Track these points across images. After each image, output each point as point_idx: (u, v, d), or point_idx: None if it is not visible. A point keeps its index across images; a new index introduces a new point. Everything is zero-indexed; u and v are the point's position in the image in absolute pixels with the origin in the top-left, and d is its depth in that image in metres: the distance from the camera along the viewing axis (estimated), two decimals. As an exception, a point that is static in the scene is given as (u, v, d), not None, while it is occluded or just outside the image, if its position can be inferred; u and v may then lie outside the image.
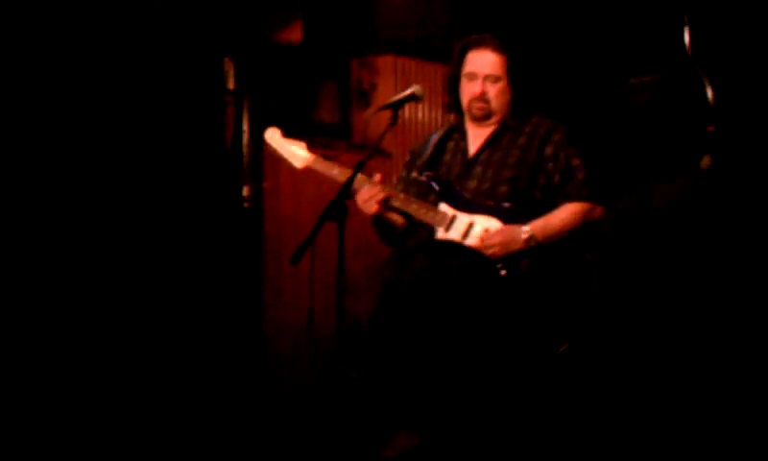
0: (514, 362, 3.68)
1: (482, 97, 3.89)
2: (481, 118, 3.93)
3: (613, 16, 4.86)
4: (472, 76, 3.90)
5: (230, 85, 5.12)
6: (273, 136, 4.08)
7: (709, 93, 4.41)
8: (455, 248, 3.81)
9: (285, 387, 5.08)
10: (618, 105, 4.76)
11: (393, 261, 3.82)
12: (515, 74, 3.91)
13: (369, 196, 3.83)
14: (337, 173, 3.87)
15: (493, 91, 3.89)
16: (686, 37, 4.49)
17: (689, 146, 4.45)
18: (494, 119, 3.94)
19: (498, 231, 3.77)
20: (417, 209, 3.86)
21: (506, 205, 3.83)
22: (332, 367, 3.78)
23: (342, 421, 3.70)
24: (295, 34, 5.25)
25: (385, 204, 3.85)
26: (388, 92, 5.53)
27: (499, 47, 3.90)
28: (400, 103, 3.71)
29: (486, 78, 3.88)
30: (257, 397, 4.89)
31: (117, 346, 4.58)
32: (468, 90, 3.91)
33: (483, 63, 3.89)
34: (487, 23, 5.15)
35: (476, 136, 3.98)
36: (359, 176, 3.63)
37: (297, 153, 4.04)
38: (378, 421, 3.75)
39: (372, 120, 5.23)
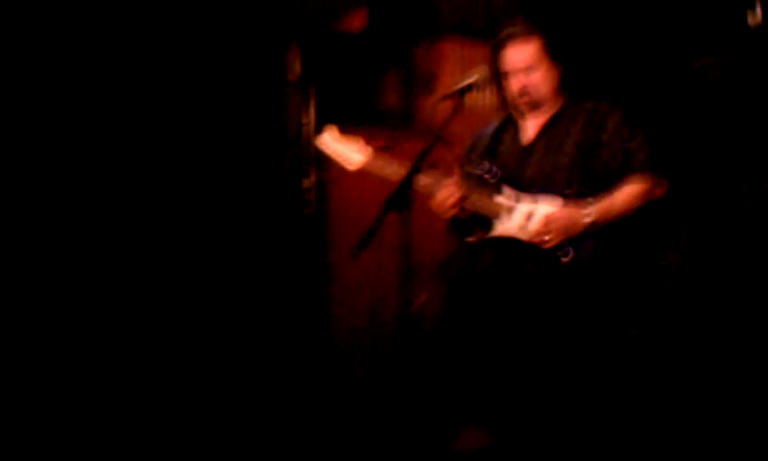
0: (582, 354, 3.65)
1: (523, 91, 3.86)
2: (532, 106, 3.90)
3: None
4: (509, 73, 3.87)
5: (295, 74, 5.14)
6: (330, 136, 4.04)
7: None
8: (520, 244, 3.78)
9: (352, 378, 5.10)
10: (682, 87, 4.68)
11: (458, 258, 3.81)
12: (555, 54, 3.86)
13: (443, 198, 3.82)
14: (396, 167, 3.84)
15: (534, 81, 3.85)
16: (754, 16, 4.39)
17: (761, 130, 4.36)
18: (545, 107, 3.91)
19: (560, 215, 3.75)
20: (478, 200, 3.84)
21: (567, 191, 3.80)
22: (394, 358, 3.78)
23: (410, 412, 3.70)
24: (358, 21, 5.24)
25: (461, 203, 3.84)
26: (453, 77, 5.50)
27: (529, 35, 3.85)
28: (463, 90, 3.70)
29: (523, 70, 3.85)
30: (325, 389, 4.91)
31: (181, 341, 4.64)
32: (510, 88, 3.89)
33: (516, 58, 3.85)
34: (549, 6, 5.11)
35: (533, 124, 3.96)
36: (423, 169, 3.61)
37: (353, 153, 3.99)
38: (447, 415, 3.74)
39: (437, 107, 5.21)
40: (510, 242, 3.81)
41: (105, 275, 4.55)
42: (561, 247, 3.74)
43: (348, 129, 4.08)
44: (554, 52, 3.86)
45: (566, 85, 3.94)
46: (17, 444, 4.01)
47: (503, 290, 3.73)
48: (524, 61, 3.84)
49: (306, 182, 5.14)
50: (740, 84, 4.47)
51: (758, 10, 4.38)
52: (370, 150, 3.99)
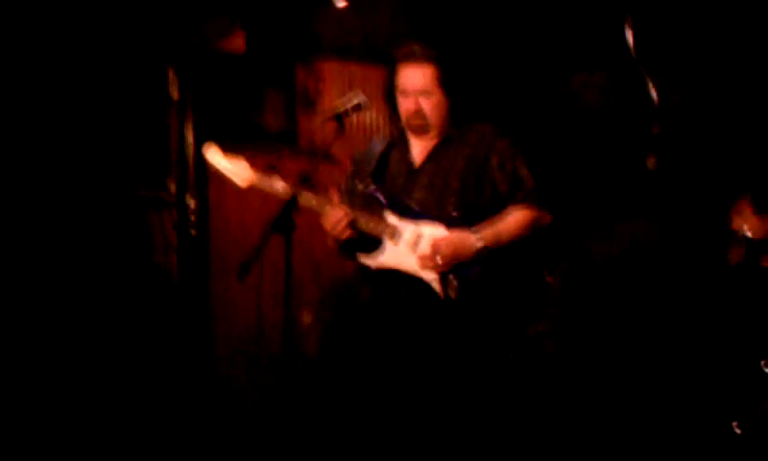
0: (463, 381, 3.68)
1: (417, 113, 3.84)
2: (420, 133, 3.90)
3: (555, 15, 4.86)
4: (405, 92, 3.85)
5: (174, 95, 5.07)
6: (213, 155, 3.97)
7: (654, 94, 4.43)
8: (398, 276, 3.77)
9: (235, 398, 5.04)
10: (563, 105, 4.77)
11: (335, 295, 3.76)
12: (448, 85, 3.84)
13: (335, 220, 3.78)
14: (281, 188, 3.80)
15: (428, 106, 3.83)
16: (629, 36, 4.50)
17: (635, 147, 4.47)
18: (434, 132, 3.90)
19: (449, 240, 3.74)
20: (366, 223, 3.83)
21: (454, 214, 3.80)
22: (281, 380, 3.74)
23: (294, 440, 3.66)
24: (238, 43, 5.20)
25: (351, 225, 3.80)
26: (334, 97, 5.49)
27: (429, 60, 3.82)
28: (346, 111, 3.69)
29: (417, 92, 3.83)
30: (208, 411, 4.84)
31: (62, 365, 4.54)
32: (404, 107, 3.87)
33: (414, 80, 3.83)
34: (430, 28, 5.16)
35: (420, 147, 3.94)
36: (305, 191, 3.60)
37: (239, 171, 3.93)
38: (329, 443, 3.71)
39: (321, 127, 5.20)
40: (390, 273, 3.79)
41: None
42: (446, 275, 3.73)
43: (230, 148, 4.03)
44: (448, 82, 3.84)
45: (456, 112, 3.93)
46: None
47: (382, 324, 3.70)
48: (422, 84, 3.82)
49: (188, 202, 5.07)
50: (616, 101, 4.58)
51: (629, 30, 4.49)
52: (251, 170, 3.92)
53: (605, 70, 4.70)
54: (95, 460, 4.33)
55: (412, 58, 3.83)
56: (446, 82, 3.84)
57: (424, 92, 3.82)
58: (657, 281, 4.29)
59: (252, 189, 3.90)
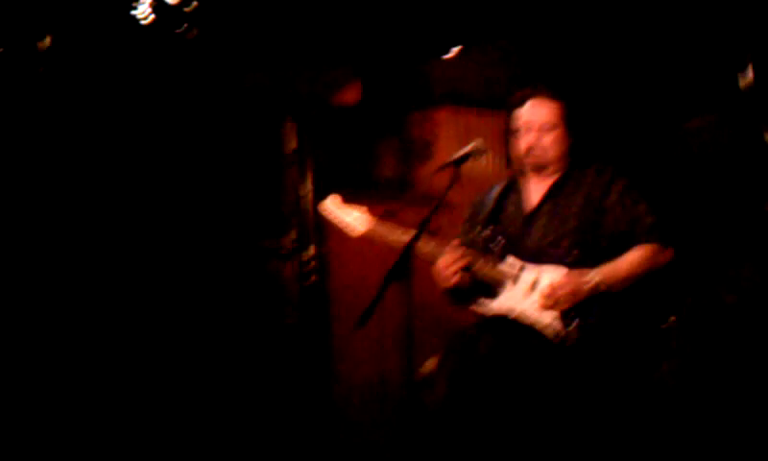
0: (591, 427, 3.62)
1: (537, 146, 3.85)
2: (537, 168, 3.89)
3: (667, 59, 4.82)
4: (528, 126, 3.86)
5: (292, 147, 5.17)
6: (333, 204, 4.03)
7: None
8: (515, 325, 3.74)
9: (358, 449, 5.06)
10: (676, 148, 4.71)
11: (456, 345, 3.73)
12: (571, 121, 3.87)
13: (446, 264, 3.79)
14: (399, 234, 3.83)
15: (549, 140, 3.85)
16: (744, 78, 4.43)
17: (750, 188, 4.38)
18: (552, 169, 3.89)
19: (566, 281, 3.70)
20: (482, 267, 3.83)
21: (572, 254, 3.77)
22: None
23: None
24: (353, 94, 5.29)
25: (464, 269, 3.81)
26: (449, 143, 5.53)
27: (553, 96, 3.87)
28: (462, 159, 3.71)
29: (541, 127, 3.85)
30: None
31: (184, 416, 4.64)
32: (525, 141, 3.88)
33: (538, 113, 3.85)
34: (540, 72, 5.16)
35: (537, 188, 3.93)
36: (422, 238, 3.60)
37: (355, 220, 3.97)
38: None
39: (435, 176, 5.23)
40: (507, 322, 3.77)
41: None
42: (567, 314, 3.70)
43: (348, 197, 4.08)
44: (572, 119, 3.87)
45: (574, 152, 3.93)
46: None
47: (502, 374, 3.67)
48: (546, 117, 3.84)
49: (306, 256, 5.15)
50: (729, 145, 4.51)
51: (749, 71, 4.42)
52: (371, 218, 3.97)
53: (719, 112, 4.64)
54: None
55: (536, 95, 3.88)
56: (570, 119, 3.86)
57: (548, 126, 3.84)
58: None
59: (368, 238, 3.94)
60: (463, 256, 3.80)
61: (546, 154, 3.86)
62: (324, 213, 4.05)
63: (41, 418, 4.35)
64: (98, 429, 4.47)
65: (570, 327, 3.68)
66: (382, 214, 4.00)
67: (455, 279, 3.80)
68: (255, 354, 4.97)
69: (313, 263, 5.16)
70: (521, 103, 3.90)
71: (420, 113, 5.61)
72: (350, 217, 3.99)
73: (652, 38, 4.88)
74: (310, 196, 5.16)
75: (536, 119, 3.85)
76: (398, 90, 5.51)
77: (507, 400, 3.58)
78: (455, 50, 5.30)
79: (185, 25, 4.55)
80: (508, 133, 3.95)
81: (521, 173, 3.96)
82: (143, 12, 4.44)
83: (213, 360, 4.83)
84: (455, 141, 5.50)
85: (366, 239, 3.95)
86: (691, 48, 4.76)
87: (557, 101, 3.86)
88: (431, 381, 3.67)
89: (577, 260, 3.75)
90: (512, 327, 3.75)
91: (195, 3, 4.54)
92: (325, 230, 5.02)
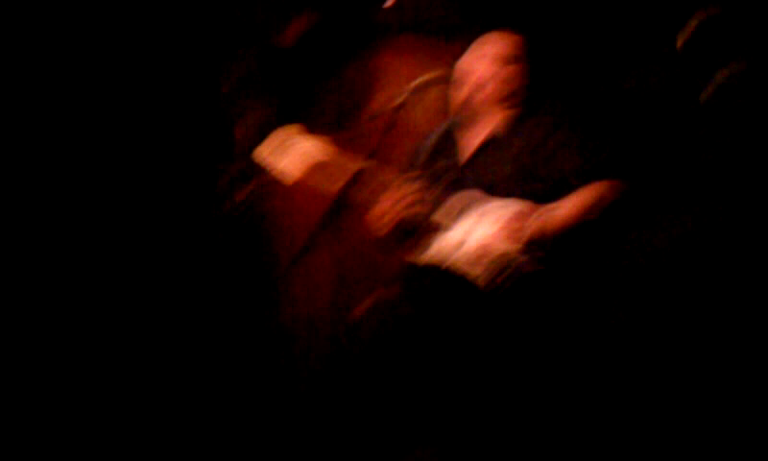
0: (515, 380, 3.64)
1: (473, 97, 3.86)
2: (473, 117, 3.91)
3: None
4: (462, 79, 3.89)
5: (231, 86, 5.14)
6: (263, 153, 3.99)
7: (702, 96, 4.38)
8: (447, 276, 3.71)
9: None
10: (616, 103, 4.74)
11: (380, 302, 3.74)
12: (517, 62, 3.88)
13: (385, 210, 3.78)
14: (333, 181, 3.78)
15: (488, 90, 3.86)
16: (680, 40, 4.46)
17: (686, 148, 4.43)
18: (490, 116, 3.89)
19: (504, 226, 3.68)
20: (417, 213, 3.80)
21: (517, 193, 3.74)
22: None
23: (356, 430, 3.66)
24: (293, 33, 5.25)
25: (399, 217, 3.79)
26: (388, 88, 5.49)
27: (494, 42, 3.91)
28: (399, 106, 3.73)
29: (477, 79, 3.86)
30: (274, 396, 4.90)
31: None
32: (461, 93, 3.90)
33: (474, 64, 3.88)
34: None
35: (475, 135, 3.93)
36: (359, 182, 3.64)
37: (287, 166, 3.92)
38: (394, 434, 3.69)
39: (373, 120, 5.21)
40: (437, 273, 3.76)
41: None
42: (501, 261, 3.66)
43: (287, 137, 4.05)
44: (516, 61, 3.88)
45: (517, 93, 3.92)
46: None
47: (429, 331, 3.67)
48: (480, 70, 3.87)
49: (240, 196, 5.13)
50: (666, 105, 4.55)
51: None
52: (304, 164, 3.93)
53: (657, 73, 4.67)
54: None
55: (474, 43, 3.91)
56: (516, 60, 3.87)
57: (485, 78, 3.85)
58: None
59: (302, 184, 3.94)
60: (397, 204, 3.78)
61: (480, 108, 3.87)
62: (259, 159, 4.02)
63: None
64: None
65: (502, 277, 3.66)
66: (325, 147, 3.95)
67: (389, 227, 3.80)
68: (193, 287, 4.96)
69: (251, 199, 5.15)
70: (451, 58, 3.90)
71: (362, 55, 5.58)
72: (284, 164, 3.95)
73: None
74: (249, 134, 5.13)
75: (468, 76, 3.86)
76: (340, 29, 5.46)
77: (431, 355, 3.60)
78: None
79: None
80: (446, 81, 3.94)
81: (459, 120, 3.96)
82: None
83: (162, 287, 4.82)
84: (395, 86, 5.48)
85: (300, 185, 3.95)
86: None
87: (501, 43, 3.87)
88: (358, 326, 3.69)
89: (523, 199, 3.72)
90: (442, 277, 3.74)
91: None
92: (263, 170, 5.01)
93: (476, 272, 3.68)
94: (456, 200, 3.82)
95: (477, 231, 3.74)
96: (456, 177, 3.89)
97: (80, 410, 4.45)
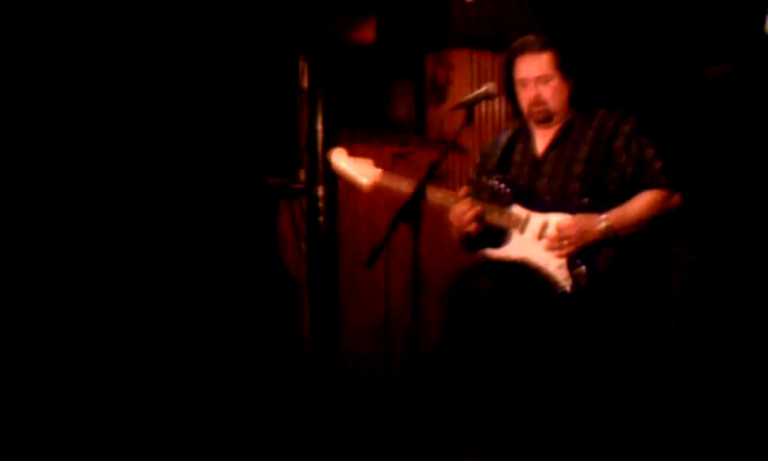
0: (584, 381, 3.64)
1: (537, 101, 3.83)
2: (543, 121, 3.88)
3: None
4: (524, 82, 3.85)
5: (304, 85, 5.15)
6: (338, 158, 4.01)
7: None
8: (519, 268, 3.75)
9: (361, 387, 5.10)
10: (697, 94, 4.67)
11: (455, 287, 3.74)
12: (566, 69, 3.84)
13: (460, 213, 3.79)
14: (406, 185, 3.80)
15: (548, 92, 3.82)
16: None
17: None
18: (557, 118, 3.88)
19: (574, 222, 3.70)
20: (492, 215, 3.82)
21: (580, 201, 3.77)
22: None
23: (415, 427, 3.67)
24: (368, 33, 5.25)
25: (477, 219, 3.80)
26: (464, 86, 5.51)
27: (544, 46, 3.83)
28: (474, 101, 3.71)
29: (537, 80, 3.82)
30: (333, 396, 4.91)
31: (188, 345, 4.65)
32: (524, 97, 3.86)
33: (531, 67, 3.82)
34: (560, 18, 5.12)
35: (543, 136, 3.92)
36: (430, 187, 3.61)
37: (363, 173, 3.95)
38: (448, 440, 3.70)
39: (448, 116, 5.21)
40: (514, 265, 3.77)
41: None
42: (573, 260, 3.70)
43: (358, 143, 4.08)
44: (566, 65, 3.84)
45: (578, 97, 3.92)
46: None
47: (501, 320, 3.67)
48: (540, 70, 3.82)
49: (317, 191, 5.14)
50: (753, 93, 4.45)
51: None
52: (377, 170, 3.95)
53: (745, 60, 4.58)
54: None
55: (526, 48, 3.84)
56: (564, 65, 3.83)
57: (543, 77, 3.81)
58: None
59: (375, 190, 3.94)
60: (473, 207, 3.79)
61: (547, 105, 3.84)
62: (333, 164, 4.04)
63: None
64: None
65: (576, 274, 3.68)
66: (393, 155, 3.98)
67: (470, 227, 3.81)
68: (262, 293, 4.98)
69: (322, 203, 5.16)
70: (514, 57, 3.87)
71: (436, 55, 5.58)
72: (358, 170, 3.97)
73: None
74: (321, 136, 5.14)
75: (530, 73, 3.83)
76: (414, 31, 5.47)
77: (503, 346, 3.61)
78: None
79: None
80: (508, 87, 3.92)
81: (529, 122, 3.96)
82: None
83: (218, 299, 4.84)
84: (470, 84, 5.49)
85: (374, 191, 3.94)
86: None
87: (548, 51, 3.82)
88: (434, 326, 3.69)
89: (585, 206, 3.75)
90: (516, 270, 3.76)
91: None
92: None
93: (551, 268, 3.72)
94: (529, 196, 3.84)
95: (552, 224, 3.76)
96: (530, 174, 3.90)
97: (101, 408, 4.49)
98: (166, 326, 4.65)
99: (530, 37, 3.88)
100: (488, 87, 3.71)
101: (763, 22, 4.33)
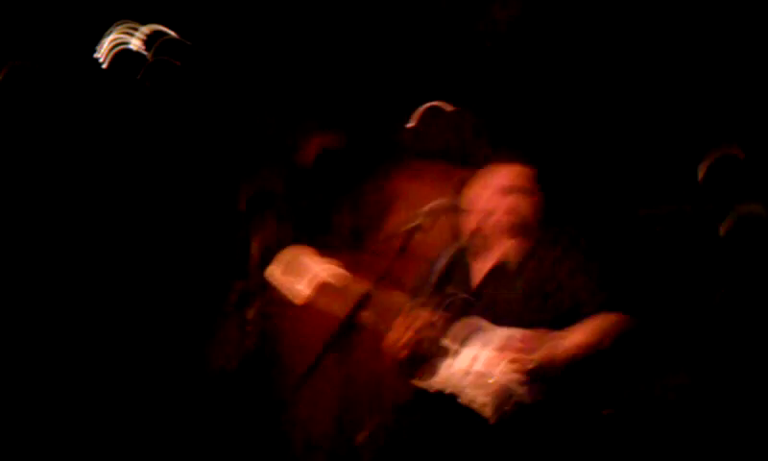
0: None
1: (480, 229, 3.86)
2: (482, 248, 3.89)
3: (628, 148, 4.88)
4: (469, 210, 3.89)
5: (244, 204, 5.18)
6: (274, 273, 4.00)
7: (722, 229, 4.39)
8: (452, 405, 3.70)
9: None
10: (631, 232, 4.76)
11: (390, 420, 3.72)
12: (521, 196, 3.85)
13: (398, 336, 3.75)
14: (341, 304, 3.78)
15: (491, 223, 3.84)
16: (701, 172, 4.49)
17: (702, 280, 4.43)
18: (497, 247, 3.87)
19: (520, 335, 3.64)
20: (426, 339, 3.77)
21: (526, 321, 3.71)
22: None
23: None
24: (312, 152, 5.30)
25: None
26: (404, 211, 5.51)
27: (498, 177, 3.87)
28: (413, 229, 3.74)
29: (481, 212, 3.85)
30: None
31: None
32: (468, 223, 3.90)
33: (478, 199, 3.88)
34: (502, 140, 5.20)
35: (483, 263, 3.91)
36: (369, 307, 3.63)
37: (298, 288, 3.94)
38: None
39: (387, 241, 5.23)
40: (442, 401, 3.73)
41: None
42: (504, 392, 3.65)
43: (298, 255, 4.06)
44: (520, 195, 3.86)
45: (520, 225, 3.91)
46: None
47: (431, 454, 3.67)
48: (485, 205, 3.85)
49: (250, 313, 5.13)
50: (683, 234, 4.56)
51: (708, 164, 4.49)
52: (314, 286, 3.93)
53: (678, 203, 4.69)
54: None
55: (480, 178, 3.89)
56: (519, 194, 3.85)
57: (489, 211, 3.84)
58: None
59: (312, 305, 3.93)
60: (407, 329, 3.76)
61: (489, 237, 3.86)
62: (270, 278, 4.03)
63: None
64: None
65: (508, 406, 3.63)
66: (336, 269, 3.94)
67: (404, 351, 3.77)
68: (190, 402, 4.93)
69: (257, 321, 5.14)
70: (463, 185, 3.90)
71: (379, 176, 5.62)
72: (295, 284, 3.95)
73: (614, 125, 4.94)
74: (258, 253, 5.14)
75: (476, 205, 3.86)
76: (358, 151, 5.52)
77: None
78: (419, 114, 5.32)
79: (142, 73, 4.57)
80: (455, 210, 3.94)
81: (469, 246, 3.96)
82: (102, 54, 4.45)
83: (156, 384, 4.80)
84: (410, 209, 5.51)
85: (310, 305, 3.94)
86: (654, 136, 4.82)
87: (503, 180, 3.85)
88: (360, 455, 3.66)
89: (530, 327, 3.68)
90: (446, 405, 3.71)
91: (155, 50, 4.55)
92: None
93: (481, 400, 3.66)
94: (463, 326, 3.79)
95: (482, 359, 3.71)
96: (466, 303, 3.86)
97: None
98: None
99: (480, 171, 3.92)
100: (425, 216, 3.74)
101: (697, 170, 4.47)
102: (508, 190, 3.85)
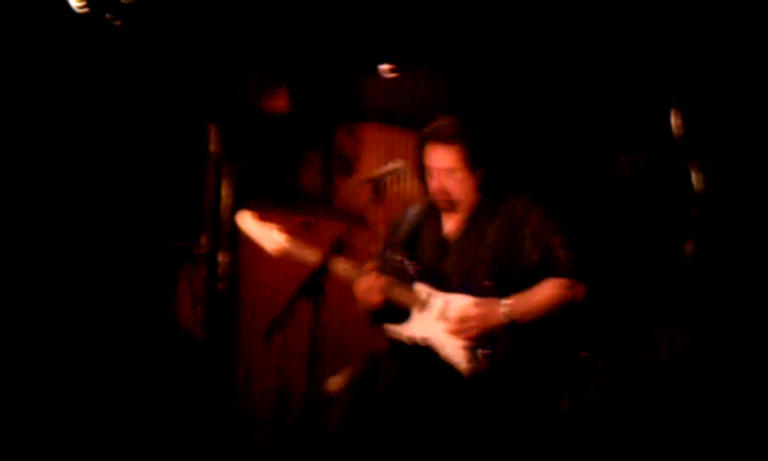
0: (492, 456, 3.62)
1: (441, 192, 3.80)
2: (446, 210, 3.86)
3: (602, 95, 4.86)
4: (431, 170, 3.82)
5: (212, 149, 5.10)
6: (244, 221, 3.96)
7: (694, 177, 4.39)
8: (425, 353, 3.73)
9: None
10: (602, 180, 4.74)
11: (362, 370, 3.72)
12: (474, 163, 3.80)
13: (366, 288, 3.76)
14: (311, 256, 3.77)
15: (452, 183, 3.79)
16: (674, 120, 4.47)
17: (673, 229, 4.42)
18: (462, 207, 3.84)
19: (475, 305, 3.69)
20: (396, 293, 3.79)
21: (484, 284, 3.74)
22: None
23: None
24: (281, 102, 5.23)
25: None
26: (373, 161, 5.51)
27: (453, 139, 3.78)
28: (382, 177, 3.69)
29: (443, 171, 3.78)
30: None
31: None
32: (431, 184, 3.84)
33: (438, 158, 3.79)
34: (470, 99, 5.17)
35: (451, 218, 3.89)
36: (336, 259, 3.60)
37: (269, 237, 3.91)
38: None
39: (356, 189, 5.21)
40: (418, 350, 3.75)
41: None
42: (474, 343, 3.69)
43: (265, 210, 4.03)
44: (474, 159, 3.80)
45: (487, 184, 3.89)
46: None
47: (406, 404, 3.68)
48: (445, 162, 3.78)
49: (221, 258, 5.07)
50: (654, 185, 4.55)
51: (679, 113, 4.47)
52: (285, 236, 3.89)
53: (648, 152, 4.67)
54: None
55: (436, 137, 3.80)
56: (472, 159, 3.80)
57: (447, 169, 3.78)
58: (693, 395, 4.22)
59: (281, 256, 3.89)
60: (378, 282, 3.76)
61: (450, 197, 3.81)
62: (240, 225, 3.98)
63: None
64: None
65: (478, 357, 3.66)
66: (300, 224, 3.94)
67: (376, 299, 3.77)
68: (157, 357, 4.88)
69: (225, 269, 5.09)
70: (424, 143, 3.83)
71: (347, 127, 5.58)
72: (264, 234, 3.91)
73: (585, 73, 4.91)
74: (228, 201, 5.09)
75: (436, 163, 3.80)
76: (326, 103, 5.47)
77: (403, 434, 3.57)
78: (386, 67, 5.28)
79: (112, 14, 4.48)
80: (420, 169, 3.88)
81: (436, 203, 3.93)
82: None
83: (113, 361, 4.74)
84: (380, 158, 5.49)
85: (279, 256, 3.89)
86: (624, 85, 4.80)
87: (456, 144, 3.78)
88: (333, 404, 3.65)
89: (488, 290, 3.73)
90: (418, 355, 3.73)
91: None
92: (240, 237, 4.97)
93: (452, 350, 3.70)
94: (429, 281, 3.81)
95: (452, 310, 3.75)
96: (434, 256, 3.87)
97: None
98: (54, 376, 4.55)
99: (441, 124, 3.82)
100: (397, 164, 3.70)
101: (668, 116, 4.45)
102: (448, 170, 3.80)
